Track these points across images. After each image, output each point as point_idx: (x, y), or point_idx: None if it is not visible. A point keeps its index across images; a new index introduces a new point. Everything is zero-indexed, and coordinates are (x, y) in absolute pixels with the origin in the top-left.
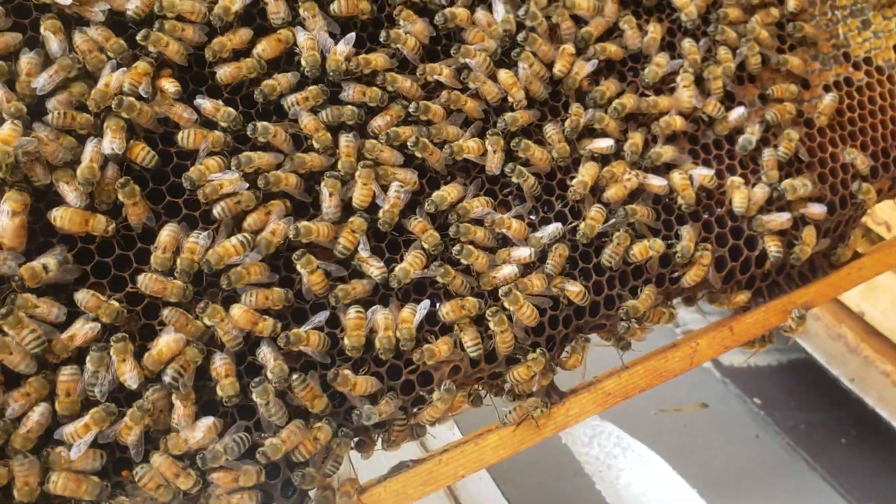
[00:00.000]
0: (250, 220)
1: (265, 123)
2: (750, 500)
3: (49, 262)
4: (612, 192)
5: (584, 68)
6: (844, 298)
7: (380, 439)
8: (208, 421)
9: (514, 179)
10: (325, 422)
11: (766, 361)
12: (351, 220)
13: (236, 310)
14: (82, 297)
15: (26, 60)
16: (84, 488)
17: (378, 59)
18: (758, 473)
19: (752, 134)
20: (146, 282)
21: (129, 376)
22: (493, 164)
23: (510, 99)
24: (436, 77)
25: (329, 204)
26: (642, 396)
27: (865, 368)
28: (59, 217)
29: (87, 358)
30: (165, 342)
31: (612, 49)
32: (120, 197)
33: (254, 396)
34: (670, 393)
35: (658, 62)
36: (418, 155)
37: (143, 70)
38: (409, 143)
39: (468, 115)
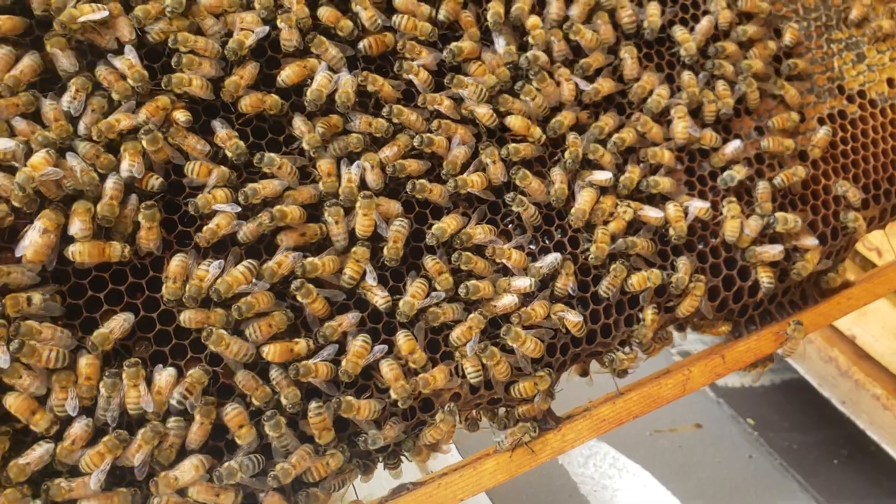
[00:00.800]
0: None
1: (271, 155)
2: None
3: (34, 297)
4: (612, 226)
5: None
6: (836, 322)
7: (381, 463)
8: (194, 460)
9: (514, 208)
10: (338, 449)
11: (760, 382)
12: (354, 249)
13: (268, 348)
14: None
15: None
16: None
17: (385, 86)
18: (751, 493)
19: (737, 172)
20: (189, 316)
21: (145, 401)
22: (497, 174)
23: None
24: (436, 107)
25: (337, 232)
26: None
27: (857, 391)
28: (78, 252)
29: (101, 384)
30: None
31: (606, 86)
32: (140, 218)
33: (266, 430)
34: (665, 413)
35: (660, 93)
36: (418, 196)
37: (163, 105)
38: (407, 189)
39: (460, 140)
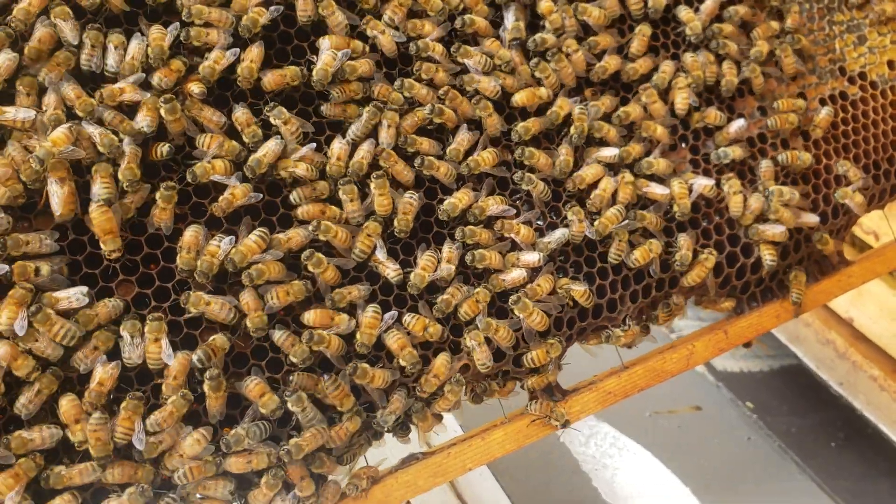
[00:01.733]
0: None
1: (282, 108)
2: (741, 500)
3: (42, 268)
4: (621, 195)
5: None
6: (833, 305)
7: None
8: (196, 434)
9: (523, 187)
10: (355, 412)
11: (759, 367)
12: (367, 224)
13: (309, 314)
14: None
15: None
16: (140, 474)
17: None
18: (749, 474)
19: (731, 150)
20: (276, 294)
21: (166, 354)
22: (493, 126)
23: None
24: (428, 53)
25: (353, 209)
26: (637, 398)
27: (854, 373)
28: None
29: (122, 326)
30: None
31: (613, 63)
32: (157, 197)
33: (290, 406)
34: (665, 396)
35: (665, 69)
36: (426, 173)
37: (177, 67)
38: (415, 163)
39: (462, 114)
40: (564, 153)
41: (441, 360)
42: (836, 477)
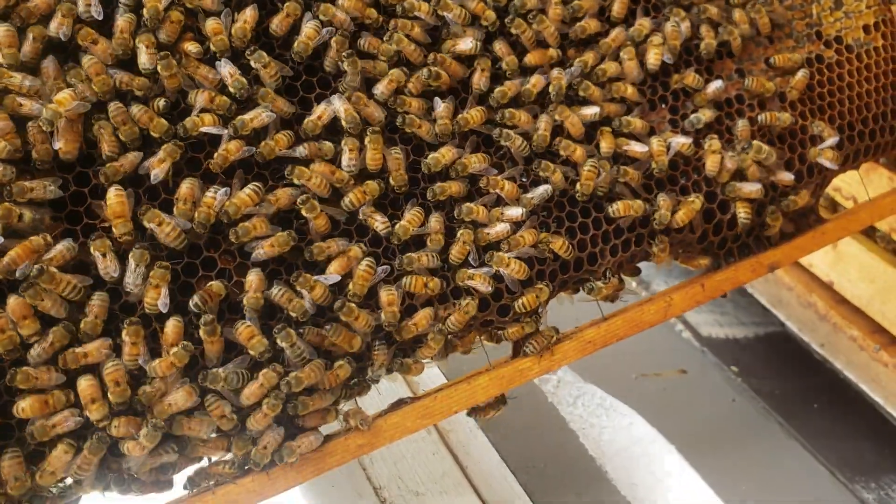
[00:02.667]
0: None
1: (262, 52)
2: (726, 458)
3: (25, 214)
4: (603, 146)
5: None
6: (815, 269)
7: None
8: (186, 387)
9: (502, 142)
10: (346, 360)
11: (744, 333)
12: (367, 182)
13: (334, 265)
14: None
15: None
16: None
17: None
18: (734, 434)
19: (702, 114)
20: (263, 250)
21: (162, 303)
22: (480, 82)
23: (504, 66)
24: (415, 13)
25: (349, 157)
26: (624, 361)
27: (834, 334)
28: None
29: (130, 255)
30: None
31: (592, 25)
32: (161, 154)
33: (278, 341)
34: (651, 360)
35: (642, 23)
36: (407, 130)
37: (176, 19)
38: (397, 122)
39: (453, 75)
40: (542, 128)
41: (425, 313)
42: (818, 436)
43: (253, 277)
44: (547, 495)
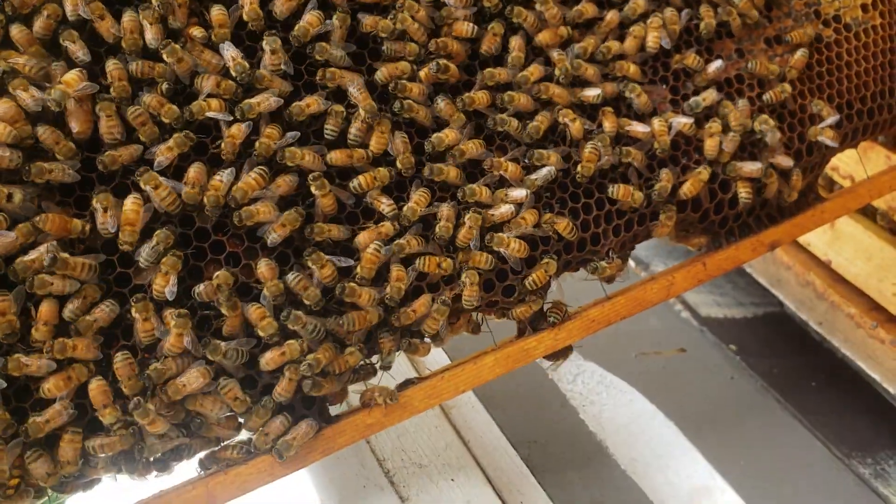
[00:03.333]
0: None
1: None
2: (725, 434)
3: (15, 195)
4: (606, 125)
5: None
6: (813, 248)
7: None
8: (200, 366)
9: (499, 128)
10: (356, 348)
11: (742, 314)
12: (378, 168)
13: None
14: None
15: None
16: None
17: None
18: (732, 411)
19: (703, 98)
20: (276, 234)
21: (170, 290)
22: (491, 46)
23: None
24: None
25: (356, 126)
26: (624, 340)
27: (832, 312)
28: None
29: (155, 233)
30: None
31: (590, 10)
32: (171, 142)
33: (289, 325)
34: (650, 339)
35: (636, 2)
36: (405, 116)
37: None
38: (395, 107)
39: (455, 57)
40: (538, 120)
41: (423, 300)
42: (815, 413)
43: (263, 268)
44: (548, 470)
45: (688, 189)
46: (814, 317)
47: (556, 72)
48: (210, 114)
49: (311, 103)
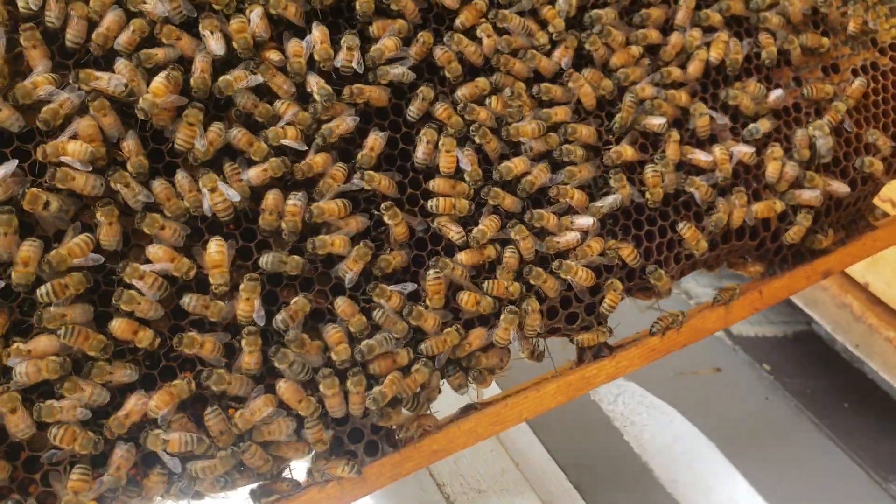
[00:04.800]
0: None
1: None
2: (764, 456)
3: (52, 203)
4: (670, 152)
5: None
6: (850, 270)
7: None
8: (263, 395)
9: (564, 159)
10: (422, 363)
11: (774, 332)
12: (461, 199)
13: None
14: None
15: None
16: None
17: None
18: (768, 431)
19: (761, 125)
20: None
21: (258, 315)
22: (563, 60)
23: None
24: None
25: (423, 151)
26: (661, 360)
27: (870, 335)
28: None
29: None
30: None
31: (653, 35)
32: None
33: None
34: (686, 358)
35: (693, 34)
36: (477, 140)
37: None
38: (471, 129)
39: (517, 75)
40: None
41: (478, 332)
42: (850, 436)
43: (343, 304)
44: (597, 492)
45: (758, 209)
46: (850, 339)
47: (617, 119)
48: (286, 142)
49: (374, 145)
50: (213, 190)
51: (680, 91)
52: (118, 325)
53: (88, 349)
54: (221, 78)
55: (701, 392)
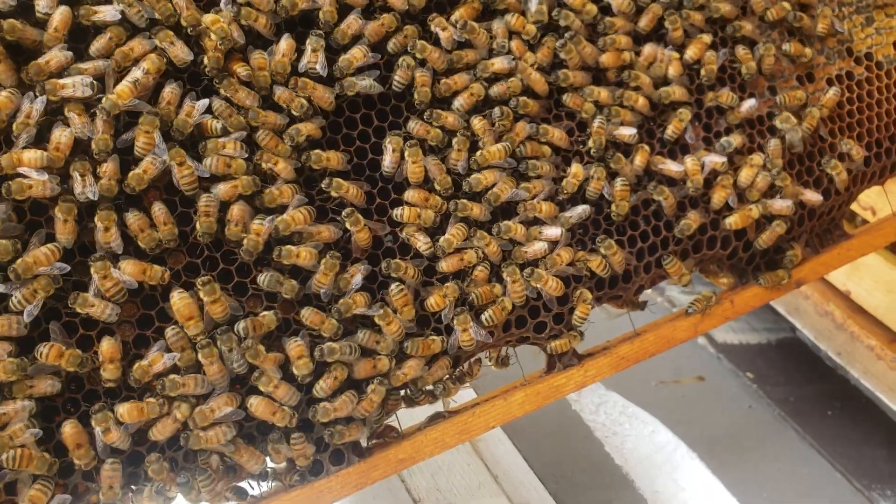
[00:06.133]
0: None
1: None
2: (746, 465)
3: None
4: (637, 161)
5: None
6: (831, 278)
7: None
8: (224, 394)
9: (530, 174)
10: (377, 382)
11: (758, 340)
12: (427, 210)
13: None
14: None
15: None
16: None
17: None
18: (753, 441)
19: (733, 139)
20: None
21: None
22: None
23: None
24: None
25: (390, 160)
26: (644, 369)
27: (851, 343)
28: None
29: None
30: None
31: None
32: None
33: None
34: (669, 366)
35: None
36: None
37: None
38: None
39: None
40: (573, 171)
41: (412, 363)
42: (833, 444)
43: (309, 314)
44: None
45: (733, 221)
46: (832, 346)
47: (591, 143)
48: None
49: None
50: (180, 164)
51: (637, 93)
52: None
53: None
54: (176, 119)
55: (684, 401)
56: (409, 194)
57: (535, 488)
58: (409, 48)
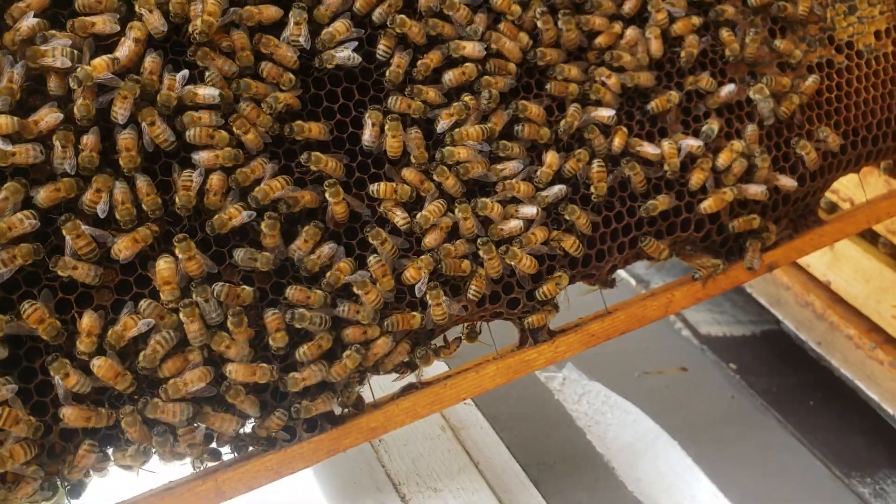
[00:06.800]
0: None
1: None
2: (727, 453)
3: None
4: (616, 142)
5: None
6: (812, 269)
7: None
8: (202, 369)
9: (500, 154)
10: (353, 349)
11: (741, 332)
12: (402, 185)
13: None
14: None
15: None
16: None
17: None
18: (733, 430)
19: (713, 124)
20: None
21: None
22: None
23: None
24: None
25: (370, 134)
26: (626, 359)
27: (831, 333)
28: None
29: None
30: None
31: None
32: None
33: (296, 324)
34: (652, 357)
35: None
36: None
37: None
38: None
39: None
40: (548, 160)
41: (381, 342)
42: (814, 433)
43: (293, 292)
44: (558, 492)
45: (708, 205)
46: (813, 336)
47: (562, 124)
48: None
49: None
50: (151, 124)
51: (641, 73)
52: None
53: None
54: (160, 94)
55: (666, 391)
56: (406, 173)
57: (516, 475)
58: (388, 22)
